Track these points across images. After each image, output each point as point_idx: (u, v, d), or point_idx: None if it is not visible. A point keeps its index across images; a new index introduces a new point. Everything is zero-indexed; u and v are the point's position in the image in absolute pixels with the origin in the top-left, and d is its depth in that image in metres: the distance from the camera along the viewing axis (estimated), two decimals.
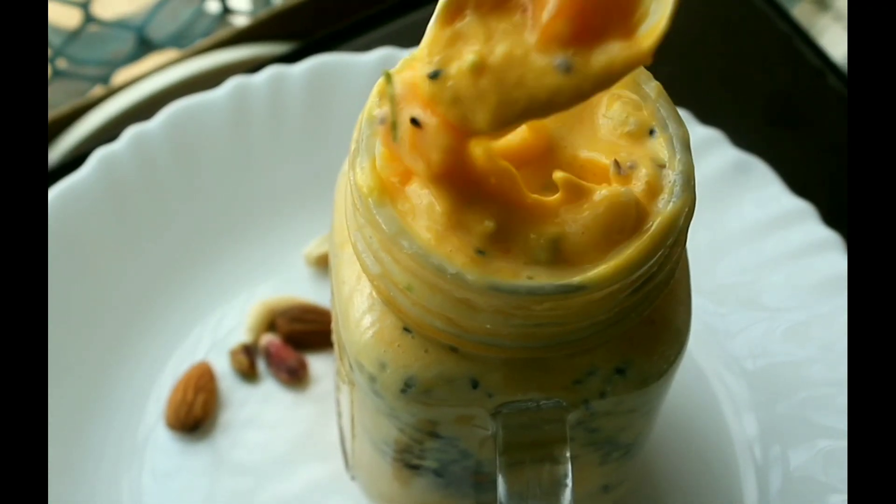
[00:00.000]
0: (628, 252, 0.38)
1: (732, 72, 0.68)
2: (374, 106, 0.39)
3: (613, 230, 0.38)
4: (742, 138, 0.62)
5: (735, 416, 0.57)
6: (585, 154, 0.40)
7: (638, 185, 0.39)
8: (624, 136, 0.40)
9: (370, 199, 0.38)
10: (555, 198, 0.39)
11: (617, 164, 0.39)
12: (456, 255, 0.38)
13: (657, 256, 0.38)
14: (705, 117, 0.62)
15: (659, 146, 0.40)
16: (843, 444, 0.54)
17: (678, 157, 0.39)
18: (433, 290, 0.39)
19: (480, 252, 0.38)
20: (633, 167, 0.39)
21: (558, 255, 0.38)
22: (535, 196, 0.39)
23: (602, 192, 0.38)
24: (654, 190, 0.39)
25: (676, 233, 0.38)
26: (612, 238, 0.38)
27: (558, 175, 0.39)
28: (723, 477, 0.55)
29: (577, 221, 0.38)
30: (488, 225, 0.38)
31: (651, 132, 0.40)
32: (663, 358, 0.42)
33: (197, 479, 0.55)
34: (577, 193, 0.39)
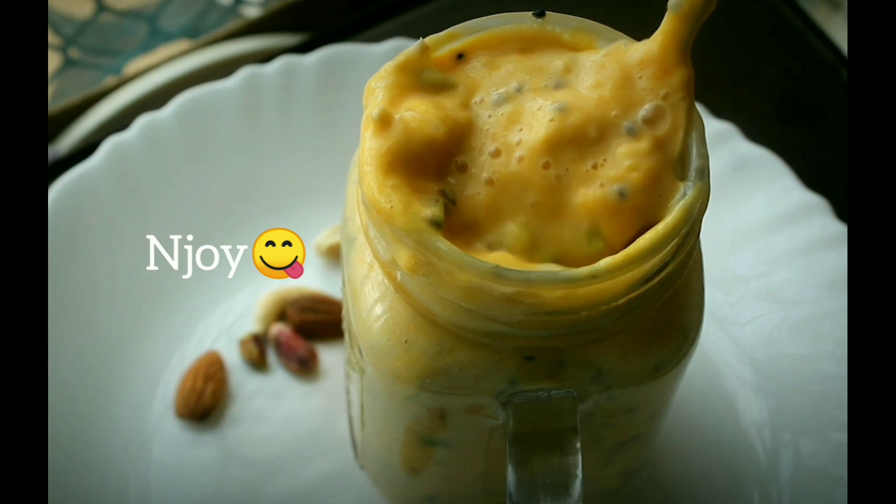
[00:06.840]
0: (641, 241, 0.38)
1: (746, 66, 0.68)
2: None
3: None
4: (755, 132, 0.62)
5: (744, 405, 0.56)
6: None
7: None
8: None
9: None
10: None
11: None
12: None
13: (670, 246, 0.38)
14: (718, 111, 0.62)
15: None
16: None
17: (694, 147, 0.39)
18: (445, 280, 0.39)
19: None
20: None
21: None
22: None
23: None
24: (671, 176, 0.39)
25: (690, 223, 0.38)
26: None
27: None
28: (733, 465, 0.55)
29: None
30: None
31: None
32: (675, 349, 0.42)
33: (205, 470, 0.55)
34: None
